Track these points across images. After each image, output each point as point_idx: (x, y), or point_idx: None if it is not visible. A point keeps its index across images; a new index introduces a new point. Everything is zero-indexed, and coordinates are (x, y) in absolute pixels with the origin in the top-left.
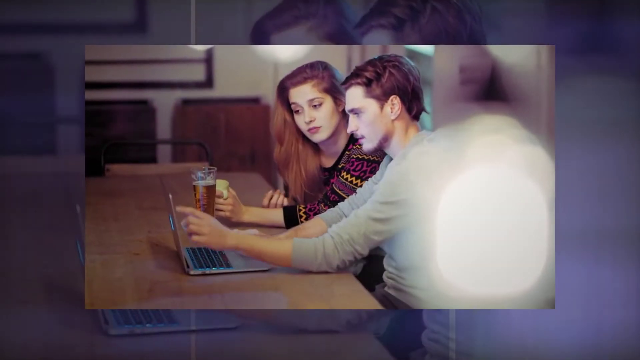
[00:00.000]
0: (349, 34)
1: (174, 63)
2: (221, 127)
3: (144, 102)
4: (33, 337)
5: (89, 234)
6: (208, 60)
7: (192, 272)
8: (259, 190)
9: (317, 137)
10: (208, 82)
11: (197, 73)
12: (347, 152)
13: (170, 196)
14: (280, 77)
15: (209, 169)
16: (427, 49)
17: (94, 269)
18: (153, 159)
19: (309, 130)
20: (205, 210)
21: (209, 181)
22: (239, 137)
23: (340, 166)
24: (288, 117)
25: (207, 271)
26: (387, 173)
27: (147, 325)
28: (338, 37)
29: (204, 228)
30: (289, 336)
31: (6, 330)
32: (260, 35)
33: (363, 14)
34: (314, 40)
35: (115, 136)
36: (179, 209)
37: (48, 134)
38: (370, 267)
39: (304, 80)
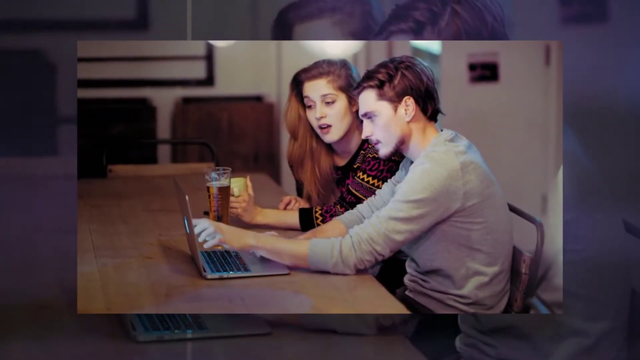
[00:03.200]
0: (371, 35)
1: (174, 60)
2: (223, 127)
3: (142, 101)
4: (59, 344)
5: (97, 237)
6: (209, 57)
7: (209, 277)
8: (267, 191)
9: (328, 138)
10: (209, 80)
11: (198, 70)
12: (362, 152)
13: (187, 198)
14: (284, 75)
15: (224, 169)
16: (434, 48)
17: (106, 272)
18: (153, 159)
19: (320, 127)
20: (219, 212)
21: (223, 182)
22: (242, 137)
23: (355, 166)
24: (302, 112)
25: (225, 275)
26: (410, 173)
27: (176, 331)
28: (361, 36)
29: (221, 228)
30: (320, 340)
31: (29, 337)
32: (283, 26)
33: (382, 22)
34: (337, 36)
35: (114, 136)
36: (194, 222)
37: (48, 134)
38: (390, 270)
39: (320, 75)
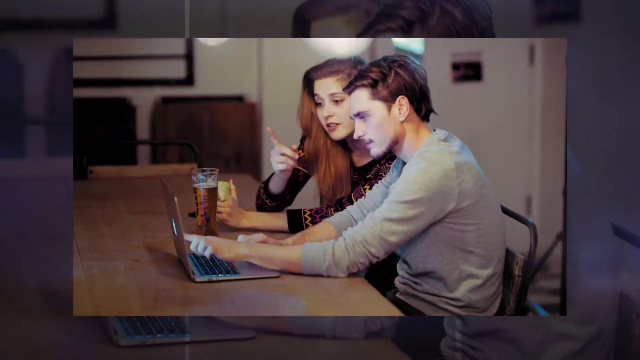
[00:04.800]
0: (357, 33)
1: (153, 59)
2: (204, 127)
3: (122, 100)
4: (38, 350)
5: (81, 240)
6: (189, 56)
7: (197, 279)
8: (252, 193)
9: (335, 135)
10: (189, 80)
11: (177, 70)
12: (377, 166)
13: (176, 199)
14: (265, 74)
15: (211, 170)
16: (417, 47)
17: (93, 276)
18: (133, 160)
19: (327, 125)
20: (207, 214)
21: (211, 183)
22: (223, 137)
23: (368, 177)
24: (314, 110)
25: (214, 278)
26: (404, 173)
27: (158, 335)
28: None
29: (211, 241)
30: (305, 344)
31: (9, 343)
32: (301, 22)
33: (368, 21)
34: (349, 34)
35: (94, 136)
36: (186, 237)
37: (15, 136)
38: (377, 272)
39: (329, 74)
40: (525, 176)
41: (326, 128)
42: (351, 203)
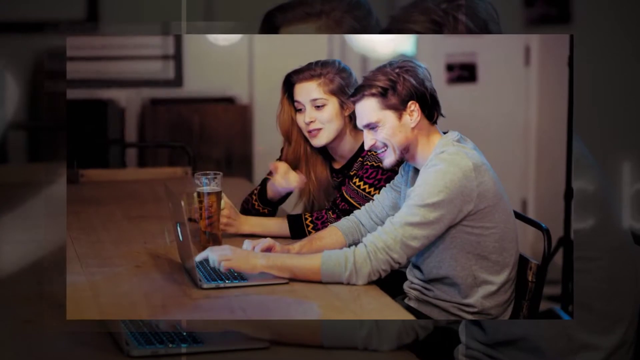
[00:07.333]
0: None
1: (140, 60)
2: (195, 129)
3: (110, 102)
4: None
5: (80, 246)
6: (176, 56)
7: (204, 286)
8: (245, 196)
9: (316, 142)
10: (177, 80)
11: (166, 70)
12: (360, 159)
13: (183, 204)
14: (256, 75)
15: (214, 174)
16: (408, 49)
17: (96, 282)
18: (121, 163)
19: (308, 131)
20: (211, 218)
21: (214, 187)
22: (214, 140)
23: (352, 173)
24: (294, 115)
25: (221, 285)
26: (423, 175)
27: (170, 345)
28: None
29: (227, 251)
30: (320, 354)
31: (13, 353)
32: (270, 28)
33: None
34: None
35: (82, 139)
36: (198, 257)
37: None
38: (388, 278)
39: (310, 78)
40: (521, 179)
41: (307, 134)
42: (345, 201)
